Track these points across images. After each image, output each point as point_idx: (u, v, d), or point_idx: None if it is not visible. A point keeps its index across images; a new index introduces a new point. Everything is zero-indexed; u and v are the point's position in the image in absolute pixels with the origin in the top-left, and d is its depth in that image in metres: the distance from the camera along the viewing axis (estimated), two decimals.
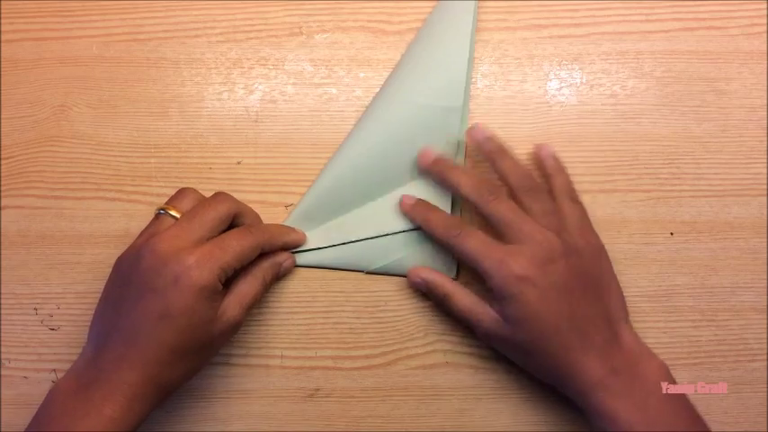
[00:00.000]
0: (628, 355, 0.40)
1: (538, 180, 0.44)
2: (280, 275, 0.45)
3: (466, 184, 0.43)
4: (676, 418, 0.39)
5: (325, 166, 0.46)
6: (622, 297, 0.43)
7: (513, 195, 0.43)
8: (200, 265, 0.38)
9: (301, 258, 0.46)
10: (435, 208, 0.45)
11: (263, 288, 0.43)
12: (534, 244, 0.41)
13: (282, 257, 0.45)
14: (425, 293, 0.45)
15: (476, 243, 0.42)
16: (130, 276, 0.39)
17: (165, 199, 0.46)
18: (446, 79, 0.45)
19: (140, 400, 0.37)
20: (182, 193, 0.43)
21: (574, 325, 0.40)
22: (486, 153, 0.44)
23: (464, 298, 0.43)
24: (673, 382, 0.40)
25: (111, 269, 0.41)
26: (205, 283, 0.38)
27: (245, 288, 0.42)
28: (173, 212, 0.41)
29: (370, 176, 0.45)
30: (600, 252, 0.43)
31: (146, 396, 0.37)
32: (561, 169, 0.45)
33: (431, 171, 0.45)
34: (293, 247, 0.45)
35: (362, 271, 0.46)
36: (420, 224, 0.45)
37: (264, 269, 0.43)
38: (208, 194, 0.43)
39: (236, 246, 0.40)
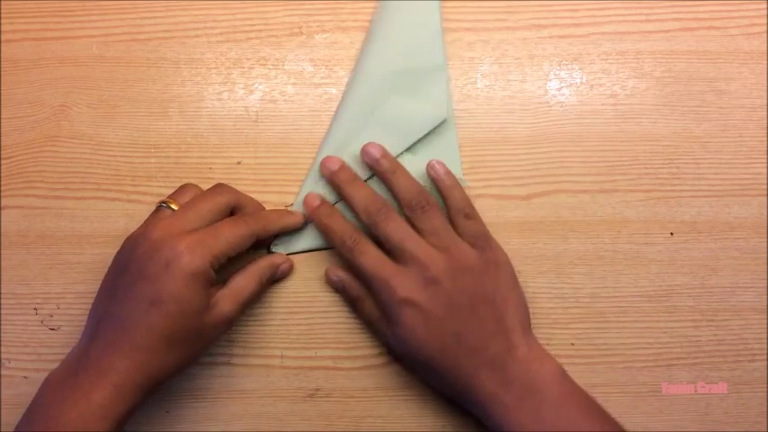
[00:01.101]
0: (521, 365, 0.40)
1: (431, 198, 0.44)
2: (276, 278, 0.45)
3: (358, 203, 0.44)
4: (573, 419, 0.39)
5: (319, 149, 0.47)
6: (524, 308, 0.43)
7: (405, 214, 0.43)
8: (192, 251, 0.38)
9: (299, 242, 0.46)
10: (338, 214, 0.45)
11: (259, 287, 0.43)
12: (419, 265, 0.41)
13: (280, 260, 0.45)
14: (338, 292, 0.46)
15: (368, 260, 0.42)
16: (126, 265, 0.39)
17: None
18: (423, 38, 0.46)
19: (129, 388, 0.37)
20: (183, 188, 0.43)
21: (461, 343, 0.40)
22: (381, 173, 0.44)
23: (368, 302, 0.44)
24: (568, 382, 0.40)
25: None
26: (196, 268, 0.38)
27: (241, 284, 0.42)
28: (172, 205, 0.42)
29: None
30: (497, 265, 0.43)
31: (135, 384, 0.37)
32: (455, 186, 0.44)
33: (331, 181, 0.45)
34: (291, 230, 0.45)
35: None
36: (320, 229, 0.45)
37: (262, 268, 0.43)
38: None
39: (228, 234, 0.40)
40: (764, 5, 0.48)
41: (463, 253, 0.42)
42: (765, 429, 0.45)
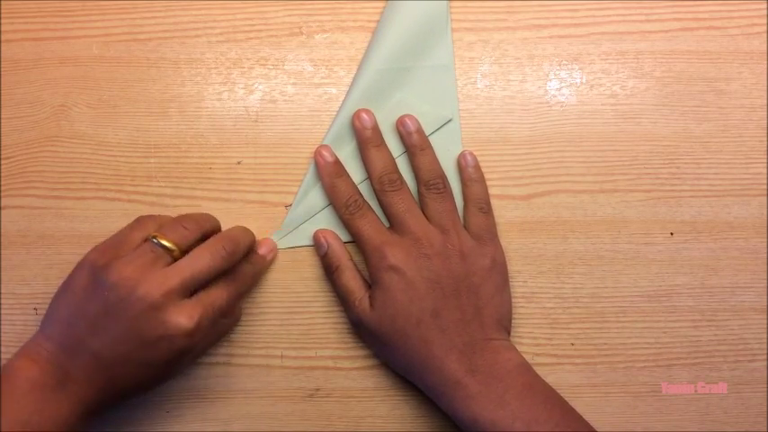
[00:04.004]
0: (489, 354, 0.41)
1: (449, 185, 0.45)
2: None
3: (376, 166, 0.45)
4: (536, 409, 0.39)
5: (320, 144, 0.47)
6: (507, 311, 0.43)
7: (419, 190, 0.44)
8: (194, 333, 0.38)
9: (298, 238, 0.46)
10: (347, 176, 0.45)
11: (234, 324, 0.45)
12: (414, 238, 0.42)
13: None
14: (319, 256, 0.46)
15: (366, 223, 0.43)
16: (116, 311, 0.38)
17: (165, 199, 0.46)
18: (431, 37, 0.46)
19: (96, 414, 0.39)
20: (177, 221, 0.42)
21: (437, 322, 0.41)
22: (410, 146, 0.45)
23: (353, 277, 0.44)
24: (531, 373, 0.41)
25: None
26: (195, 346, 0.40)
27: (221, 329, 0.43)
28: (167, 244, 0.40)
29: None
30: (492, 261, 0.43)
31: (101, 412, 0.40)
32: (479, 179, 0.45)
33: (358, 135, 0.45)
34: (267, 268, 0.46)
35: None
36: (325, 186, 0.45)
37: (237, 305, 0.44)
38: (208, 194, 0.43)
39: (225, 305, 0.41)
40: (764, 5, 0.48)
41: (461, 239, 0.43)
42: (765, 429, 0.45)
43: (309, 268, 0.46)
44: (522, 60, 0.48)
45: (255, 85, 0.48)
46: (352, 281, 0.44)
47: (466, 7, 0.48)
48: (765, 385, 0.45)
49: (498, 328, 0.42)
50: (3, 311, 0.46)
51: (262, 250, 0.45)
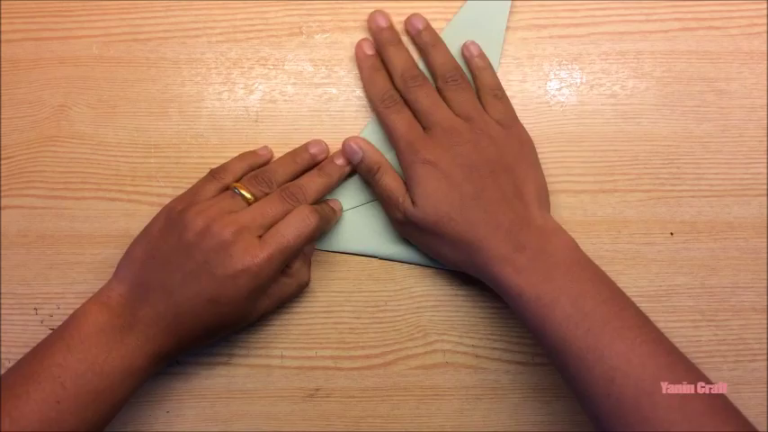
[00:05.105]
0: (536, 232, 0.41)
1: (465, 75, 0.45)
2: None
3: (397, 65, 0.45)
4: (584, 283, 0.39)
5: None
6: (543, 188, 0.44)
7: (437, 86, 0.45)
8: (262, 269, 0.39)
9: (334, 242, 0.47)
10: (383, 69, 0.46)
11: (299, 288, 0.44)
12: (442, 129, 0.43)
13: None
14: (353, 164, 0.45)
15: (399, 120, 0.44)
16: (191, 247, 0.40)
17: (166, 199, 0.46)
18: (485, 37, 0.47)
19: (165, 357, 0.40)
20: (255, 176, 0.43)
21: (479, 204, 0.41)
22: (421, 44, 0.46)
23: (394, 178, 0.44)
24: (579, 251, 0.40)
25: (111, 269, 0.41)
26: (261, 283, 0.40)
27: (283, 290, 0.43)
28: (244, 192, 0.42)
29: None
30: (519, 141, 0.44)
31: (170, 355, 0.40)
32: (486, 66, 0.46)
33: (375, 37, 0.46)
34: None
35: (376, 257, 0.46)
36: (363, 78, 0.46)
37: (302, 267, 0.44)
38: None
39: (296, 242, 0.41)
40: (764, 5, 0.48)
41: (488, 124, 0.44)
42: (765, 429, 0.45)
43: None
44: (522, 60, 0.48)
45: (255, 85, 0.48)
46: (393, 181, 0.44)
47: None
48: (765, 385, 0.45)
49: (540, 205, 0.42)
50: (3, 311, 0.46)
51: (335, 205, 0.46)
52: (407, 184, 0.43)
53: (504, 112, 0.45)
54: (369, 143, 0.45)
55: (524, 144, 0.44)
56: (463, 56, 0.47)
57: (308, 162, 0.46)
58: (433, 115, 0.43)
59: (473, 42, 0.46)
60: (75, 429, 0.36)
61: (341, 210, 0.46)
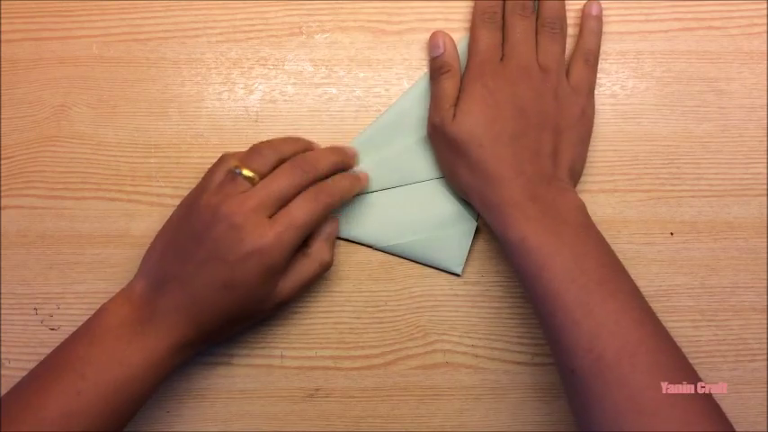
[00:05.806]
0: (554, 190, 0.41)
1: (566, 30, 0.45)
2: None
3: None
4: (588, 245, 0.39)
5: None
6: (579, 161, 0.44)
7: (537, 26, 0.44)
8: (272, 248, 0.39)
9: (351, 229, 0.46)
10: (448, 37, 0.45)
11: (321, 269, 0.43)
12: (517, 65, 0.43)
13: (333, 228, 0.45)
14: (431, 57, 0.45)
15: (486, 36, 0.44)
16: (201, 235, 0.40)
17: (166, 199, 0.46)
18: None
19: (186, 348, 0.40)
20: (256, 150, 0.43)
21: (513, 146, 0.41)
22: None
23: (455, 86, 0.44)
24: (589, 219, 0.41)
25: (111, 269, 0.41)
26: (274, 264, 0.40)
27: (303, 269, 0.42)
28: (246, 172, 0.41)
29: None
30: (582, 112, 0.44)
31: (191, 345, 0.40)
32: (597, 32, 0.46)
33: None
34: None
35: (372, 247, 0.46)
36: (431, 41, 0.46)
37: (322, 247, 0.43)
38: None
39: (305, 218, 0.40)
40: (764, 5, 0.48)
41: (560, 82, 0.44)
42: (765, 429, 0.45)
43: None
44: None
45: (255, 85, 0.48)
46: (452, 88, 0.44)
47: (467, 8, 0.48)
48: (765, 385, 0.45)
49: (569, 174, 0.43)
50: (3, 311, 0.46)
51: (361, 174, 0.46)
52: (459, 95, 0.43)
53: (585, 79, 0.45)
54: (453, 44, 0.45)
55: (585, 117, 0.44)
56: (583, 12, 0.46)
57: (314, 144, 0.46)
58: (517, 48, 0.43)
59: (598, 3, 0.46)
60: (97, 422, 0.37)
61: (366, 178, 0.46)
